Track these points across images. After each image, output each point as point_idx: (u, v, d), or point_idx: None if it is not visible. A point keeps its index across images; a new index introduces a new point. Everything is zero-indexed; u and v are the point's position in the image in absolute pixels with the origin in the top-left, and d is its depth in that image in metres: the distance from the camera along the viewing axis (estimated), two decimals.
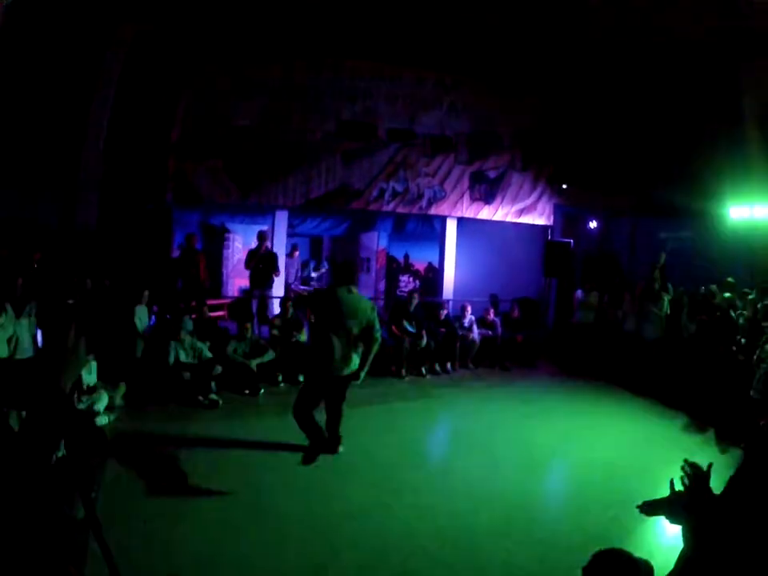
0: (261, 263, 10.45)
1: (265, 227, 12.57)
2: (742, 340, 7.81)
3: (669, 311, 9.44)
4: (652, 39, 9.98)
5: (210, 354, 8.26)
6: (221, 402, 7.75)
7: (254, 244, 13.40)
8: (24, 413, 1.93)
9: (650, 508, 2.46)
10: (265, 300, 10.70)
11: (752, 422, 6.12)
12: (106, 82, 10.05)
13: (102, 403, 6.58)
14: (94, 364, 6.75)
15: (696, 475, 2.35)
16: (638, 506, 2.48)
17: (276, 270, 10.60)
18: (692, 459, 2.43)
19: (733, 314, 8.34)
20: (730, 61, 10.14)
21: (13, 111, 8.73)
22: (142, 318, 8.56)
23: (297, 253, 13.56)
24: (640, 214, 12.87)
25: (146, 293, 8.70)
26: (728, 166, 10.19)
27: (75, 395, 5.94)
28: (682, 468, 2.37)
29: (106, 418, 6.54)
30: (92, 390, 6.59)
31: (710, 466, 2.36)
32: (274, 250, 11.27)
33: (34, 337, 6.02)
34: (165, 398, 7.68)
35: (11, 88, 8.70)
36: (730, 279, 9.51)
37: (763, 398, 6.45)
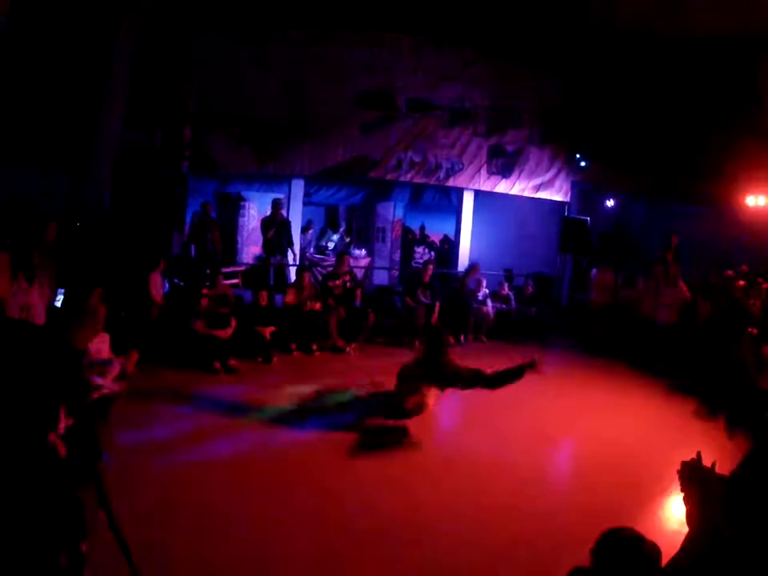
0: (277, 231, 10.48)
1: (281, 195, 12.54)
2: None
3: (690, 296, 9.33)
4: (675, 27, 9.87)
5: None
6: (239, 369, 7.84)
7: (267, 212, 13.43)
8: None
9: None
10: (282, 268, 10.74)
11: (760, 412, 6.10)
12: (122, 54, 9.95)
13: (114, 372, 6.64)
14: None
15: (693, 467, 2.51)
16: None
17: (290, 241, 10.64)
18: (699, 445, 2.52)
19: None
20: (749, 50, 9.98)
21: (29, 88, 8.68)
22: (157, 285, 8.61)
23: (311, 231, 13.60)
24: (657, 197, 12.74)
25: (163, 261, 8.72)
26: (746, 154, 10.05)
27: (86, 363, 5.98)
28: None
29: (118, 386, 6.61)
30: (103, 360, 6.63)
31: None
32: (290, 218, 11.27)
33: (47, 306, 6.03)
34: (178, 364, 7.77)
35: (27, 63, 8.64)
36: (744, 267, 9.42)
37: None
